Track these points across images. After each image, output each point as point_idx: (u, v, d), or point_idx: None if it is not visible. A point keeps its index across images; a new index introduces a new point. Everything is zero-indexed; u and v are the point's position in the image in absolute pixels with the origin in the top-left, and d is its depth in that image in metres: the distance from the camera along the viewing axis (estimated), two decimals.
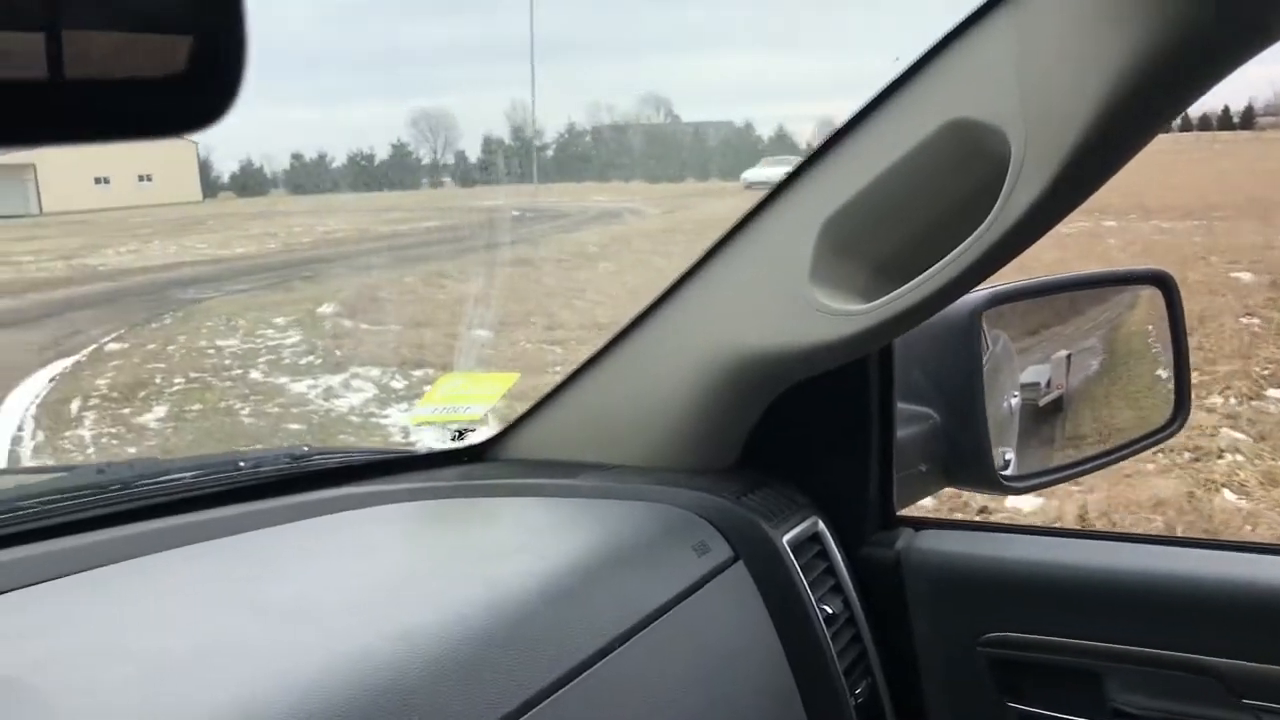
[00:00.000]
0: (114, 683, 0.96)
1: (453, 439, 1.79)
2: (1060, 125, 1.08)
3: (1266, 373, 8.00)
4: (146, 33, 0.49)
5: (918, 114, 1.24)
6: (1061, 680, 1.50)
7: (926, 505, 1.77)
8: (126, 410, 8.55)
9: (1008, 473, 1.69)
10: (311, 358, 10.51)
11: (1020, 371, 1.78)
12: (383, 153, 72.44)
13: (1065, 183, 1.11)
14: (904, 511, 1.68)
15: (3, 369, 10.37)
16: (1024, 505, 5.23)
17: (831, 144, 1.32)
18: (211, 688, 0.94)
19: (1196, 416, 6.31)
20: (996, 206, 1.16)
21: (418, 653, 1.02)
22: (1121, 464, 1.85)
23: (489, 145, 71.07)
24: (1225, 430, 6.65)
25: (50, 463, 7.61)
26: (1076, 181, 1.13)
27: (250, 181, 67.75)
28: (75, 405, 8.73)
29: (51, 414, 8.49)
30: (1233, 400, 7.30)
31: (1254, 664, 1.37)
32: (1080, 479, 2.47)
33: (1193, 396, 1.83)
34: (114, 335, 12.01)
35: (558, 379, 1.69)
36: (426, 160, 73.88)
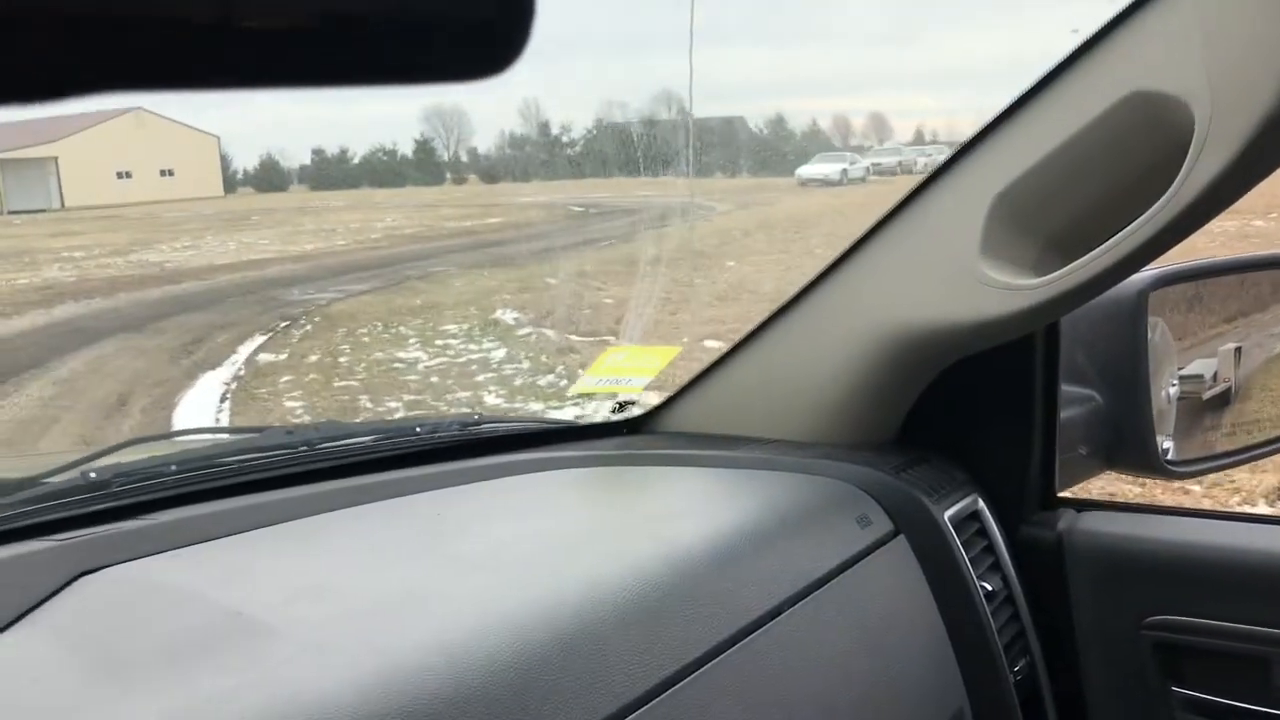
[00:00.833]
0: (328, 619, 1.04)
1: (613, 411, 1.84)
2: (1248, 98, 1.07)
3: None
4: None
5: (1097, 86, 1.24)
6: (1227, 665, 1.49)
7: (1086, 488, 1.73)
8: None
9: (1171, 458, 1.67)
10: (551, 376, 9.05)
11: (1178, 361, 1.72)
12: (404, 148, 71.36)
13: (1250, 158, 1.10)
14: (1063, 494, 1.67)
15: (145, 381, 9.04)
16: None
17: (1005, 118, 1.33)
18: (417, 628, 1.01)
19: None
20: (1176, 182, 1.15)
21: (605, 602, 1.07)
22: None
23: (515, 141, 69.96)
24: None
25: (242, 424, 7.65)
26: (1262, 157, 1.12)
27: (270, 177, 66.36)
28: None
29: None
30: None
31: None
32: (1254, 463, 2.23)
33: None
34: (255, 344, 10.70)
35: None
36: (445, 156, 72.59)
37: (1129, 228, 1.21)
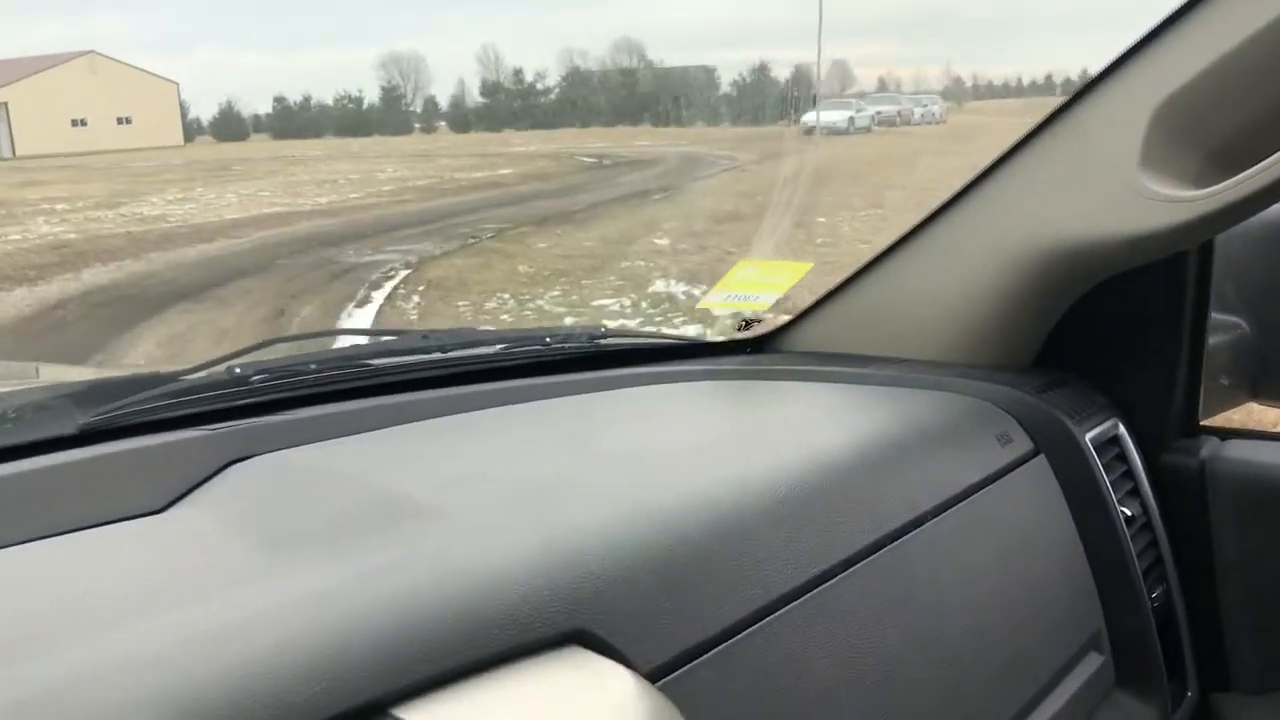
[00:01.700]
0: (486, 503, 1.07)
1: (739, 329, 1.82)
2: None
3: None
4: None
5: None
6: None
7: (1227, 418, 1.68)
8: None
9: None
10: None
11: None
12: (370, 96, 68.64)
13: None
14: (1205, 422, 1.64)
15: None
16: None
17: (1172, 21, 1.28)
18: (573, 513, 1.02)
19: None
20: None
21: (754, 499, 1.08)
22: None
23: (486, 89, 67.44)
24: None
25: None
26: None
27: (230, 125, 63.37)
28: None
29: None
30: None
31: None
32: None
33: None
34: (364, 318, 8.93)
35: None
36: (413, 104, 69.94)
37: None
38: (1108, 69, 1.36)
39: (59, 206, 19.55)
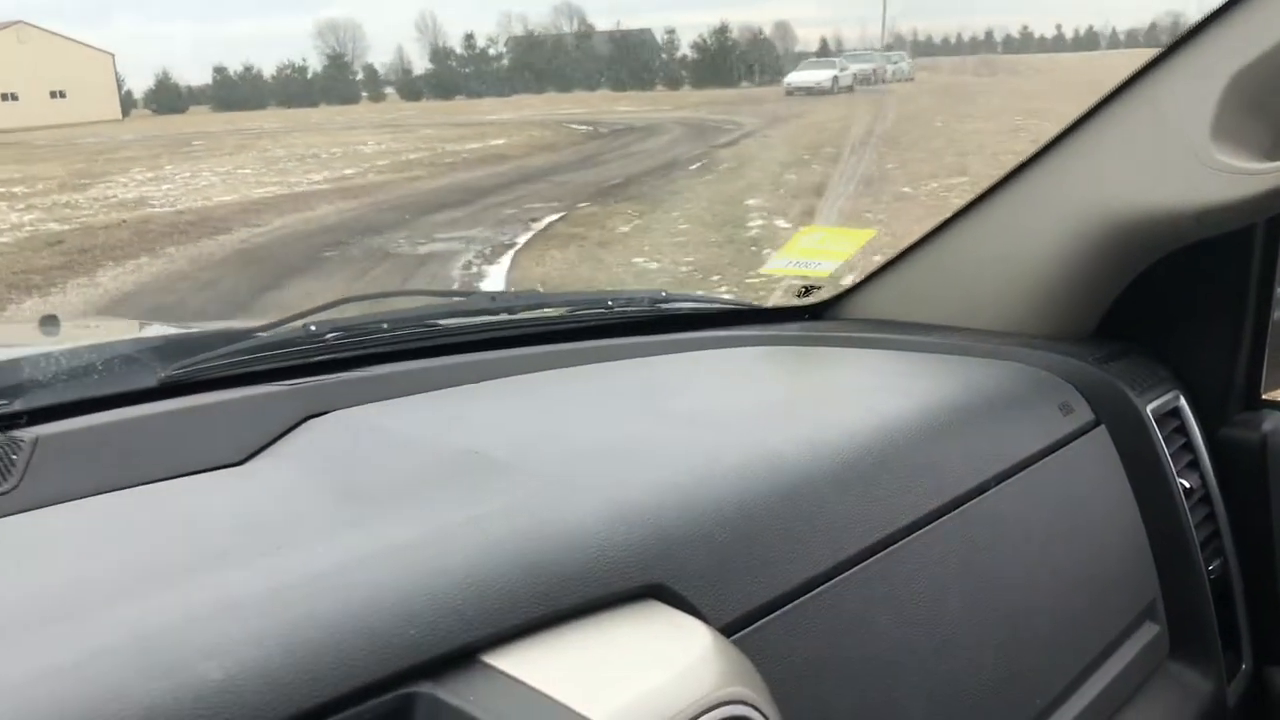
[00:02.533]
0: (563, 459, 1.09)
1: (798, 295, 1.82)
2: None
3: None
4: None
5: None
6: None
7: None
8: None
9: None
10: None
11: None
12: (314, 64, 65.69)
13: None
14: (1267, 395, 1.64)
15: None
16: None
17: None
18: (648, 470, 1.03)
19: None
20: None
21: (821, 462, 1.09)
22: None
23: (437, 54, 64.93)
24: None
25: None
26: None
27: (169, 98, 60.22)
28: None
29: None
30: None
31: None
32: None
33: None
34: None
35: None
36: (359, 72, 67.11)
37: None
38: (1182, 38, 1.33)
39: (17, 190, 17.51)
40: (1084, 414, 1.44)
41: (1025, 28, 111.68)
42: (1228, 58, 1.29)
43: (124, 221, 13.16)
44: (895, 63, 46.82)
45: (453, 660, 0.75)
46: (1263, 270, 1.56)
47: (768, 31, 61.45)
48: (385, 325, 1.41)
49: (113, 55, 56.34)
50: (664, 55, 61.63)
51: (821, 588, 0.99)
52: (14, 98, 47.83)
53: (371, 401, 1.27)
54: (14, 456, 1.04)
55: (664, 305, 1.73)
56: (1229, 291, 1.57)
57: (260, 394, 1.22)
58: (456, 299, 1.72)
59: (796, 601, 0.96)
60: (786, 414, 1.31)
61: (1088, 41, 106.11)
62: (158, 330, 1.65)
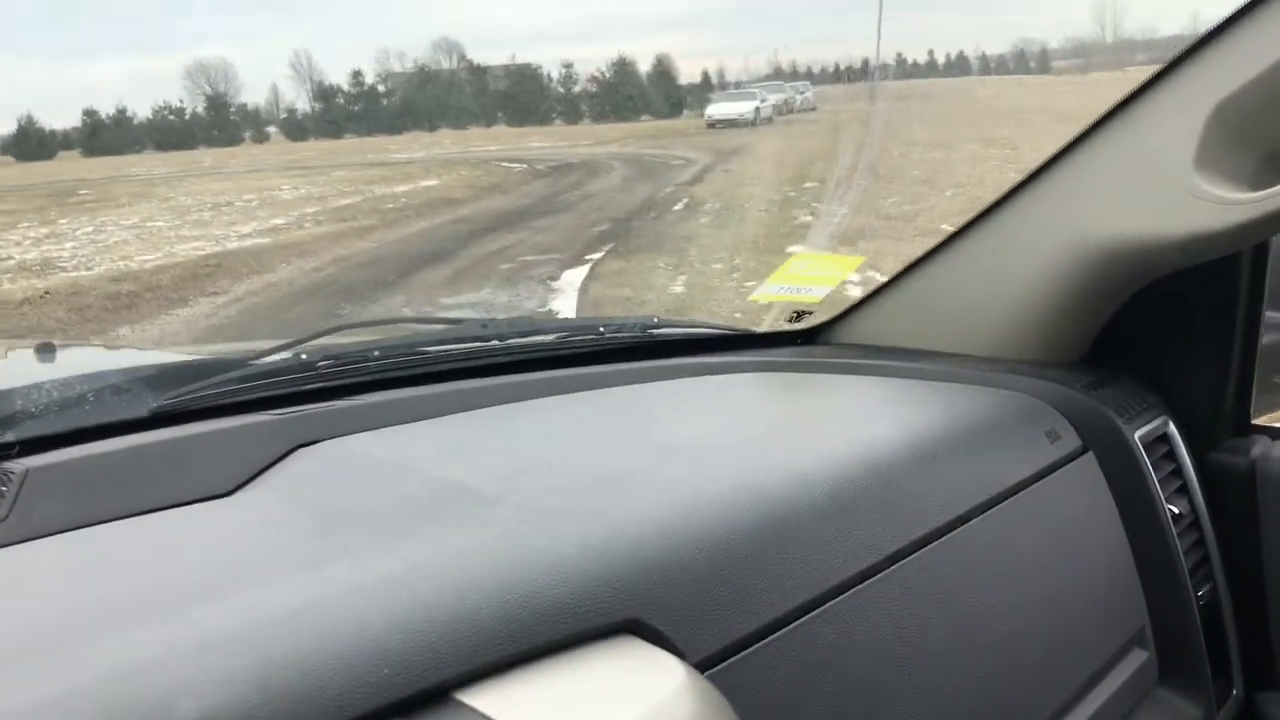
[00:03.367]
0: (548, 491, 1.09)
1: (789, 320, 1.84)
2: None
3: None
4: None
5: None
6: None
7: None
8: None
9: None
10: None
11: None
12: (193, 105, 62.24)
13: None
14: (1257, 421, 1.63)
15: None
16: None
17: (1227, 26, 1.27)
18: (631, 502, 1.03)
19: None
20: None
21: (805, 493, 1.08)
22: None
23: (324, 92, 62.15)
24: None
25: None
26: None
27: (33, 144, 56.12)
28: None
29: None
30: None
31: None
32: None
33: None
34: None
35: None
36: (236, 112, 63.90)
37: None
38: (1165, 69, 1.34)
39: None
40: (1071, 441, 1.43)
41: (899, 54, 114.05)
42: (1210, 88, 1.29)
43: (46, 294, 10.95)
44: (802, 93, 46.27)
45: (426, 698, 0.75)
46: (1250, 295, 1.56)
47: (645, 66, 60.53)
48: (377, 353, 1.42)
49: None
50: (561, 89, 60.13)
51: (801, 620, 0.98)
52: None
53: (362, 430, 1.28)
54: (3, 488, 1.04)
55: (656, 331, 1.73)
56: (1217, 317, 1.57)
57: (251, 423, 1.23)
58: (448, 326, 1.72)
59: (774, 635, 0.95)
60: (772, 443, 1.31)
61: (959, 67, 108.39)
62: (152, 358, 1.63)
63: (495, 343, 1.52)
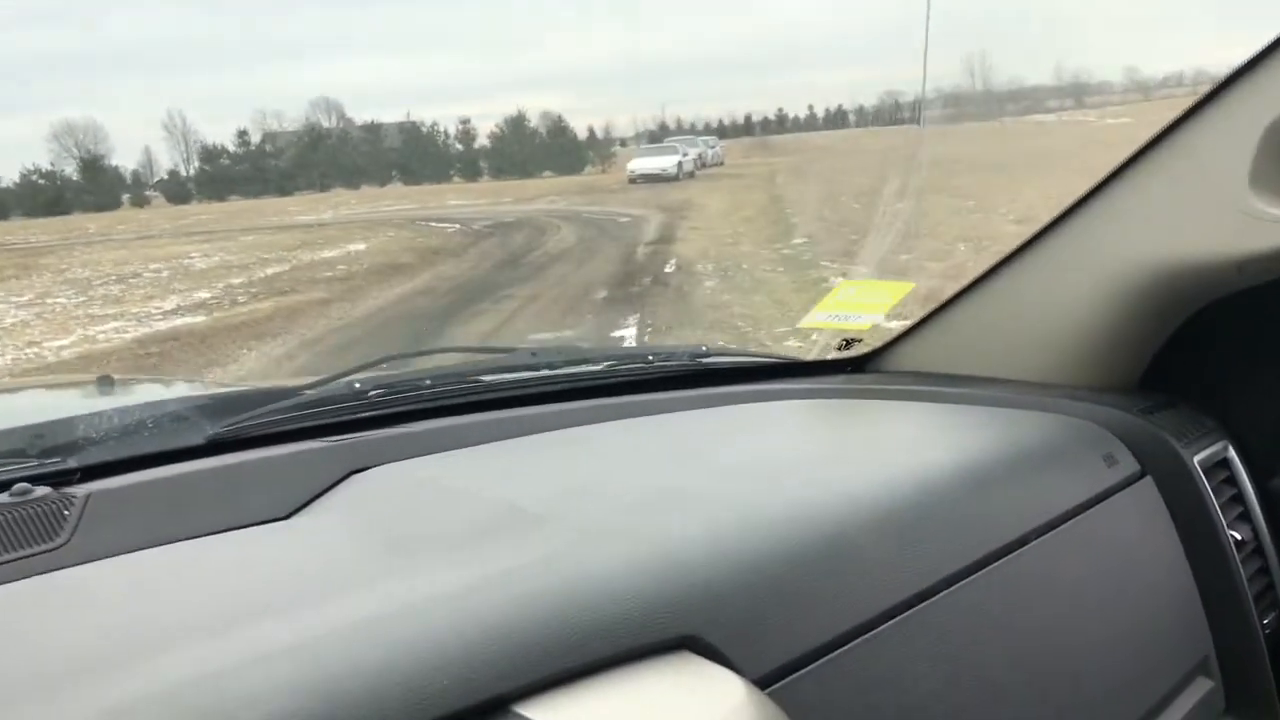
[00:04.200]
0: (601, 513, 1.08)
1: (838, 348, 1.80)
2: None
3: None
4: None
5: None
6: None
7: None
8: None
9: None
10: None
11: None
12: (65, 169, 58.55)
13: None
14: None
15: None
16: None
17: None
18: (686, 523, 1.03)
19: None
20: None
21: (862, 514, 1.07)
22: None
23: (209, 153, 59.12)
24: None
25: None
26: None
27: None
28: None
29: None
30: None
31: None
32: None
33: None
34: None
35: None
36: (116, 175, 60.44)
37: None
38: (1217, 88, 1.31)
39: None
40: (1129, 465, 1.40)
41: (780, 110, 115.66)
42: (1262, 107, 1.27)
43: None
44: (712, 147, 45.58)
45: (485, 710, 0.75)
46: None
47: (534, 121, 59.24)
48: (428, 382, 1.43)
49: None
50: (460, 146, 58.37)
51: (856, 641, 0.97)
52: None
53: (414, 456, 1.28)
54: (66, 512, 1.06)
55: (704, 360, 1.72)
56: (1275, 339, 1.54)
57: (305, 450, 1.24)
58: (498, 355, 1.76)
59: (833, 654, 0.94)
60: (826, 466, 1.30)
61: (839, 120, 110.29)
62: (207, 389, 1.69)
63: (545, 371, 1.54)
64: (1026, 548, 1.17)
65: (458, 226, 23.13)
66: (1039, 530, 1.20)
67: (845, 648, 0.95)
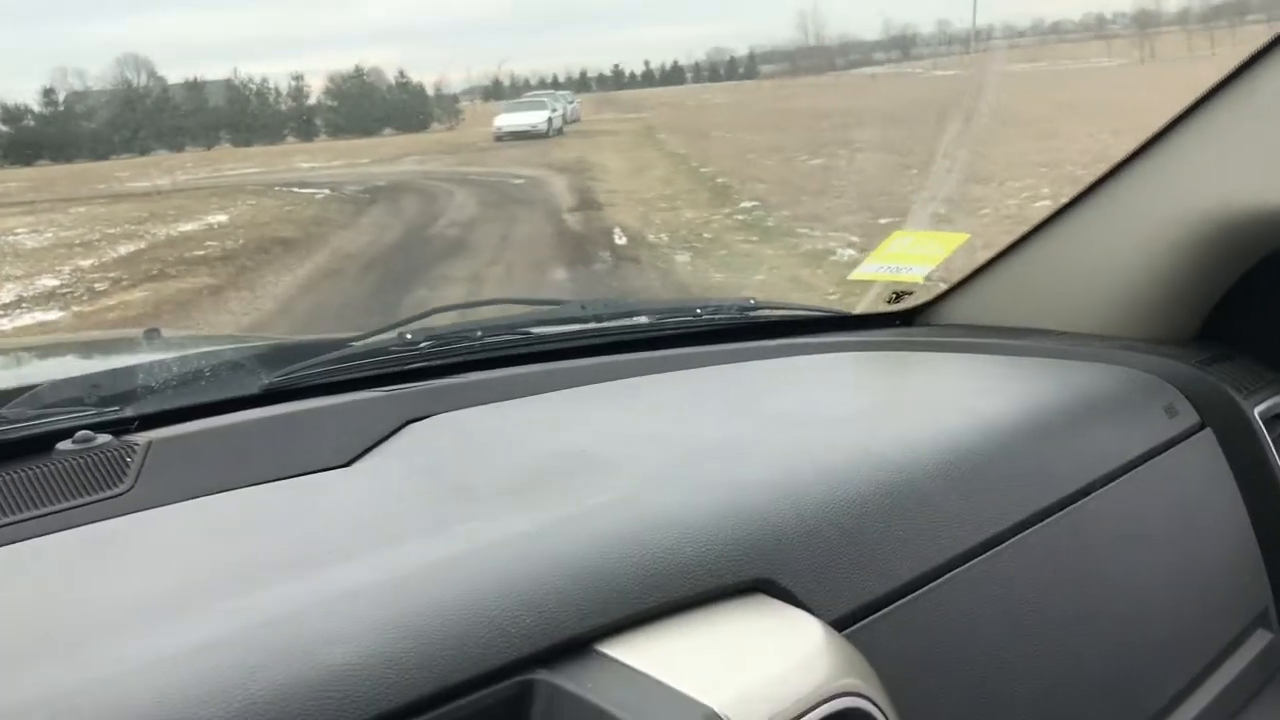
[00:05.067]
0: (668, 459, 1.09)
1: (888, 301, 1.78)
2: None
3: None
4: None
5: None
6: None
7: None
8: None
9: None
10: None
11: None
12: None
13: None
14: None
15: None
16: None
17: None
18: (753, 470, 1.04)
19: None
20: None
21: (924, 462, 1.07)
22: None
23: (11, 114, 53.41)
24: None
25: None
26: None
27: None
28: None
29: None
30: None
31: None
32: None
33: None
34: None
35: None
36: None
37: None
38: None
39: None
40: (1189, 417, 1.38)
41: (616, 66, 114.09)
42: None
43: None
44: (570, 103, 43.59)
45: (569, 649, 0.75)
46: None
47: (369, 77, 55.82)
48: (479, 333, 1.43)
49: None
50: (292, 102, 54.41)
51: (929, 586, 0.97)
52: None
53: (469, 406, 1.28)
54: (128, 459, 1.07)
55: (753, 313, 1.71)
56: None
57: (361, 399, 1.25)
58: (546, 307, 1.75)
59: (905, 599, 0.94)
60: (886, 416, 1.29)
61: (675, 76, 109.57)
62: (257, 340, 1.64)
63: (594, 323, 1.53)
64: (1089, 498, 1.16)
65: (327, 192, 20.52)
66: (1100, 481, 1.19)
67: (915, 594, 0.95)
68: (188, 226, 16.68)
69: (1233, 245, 1.42)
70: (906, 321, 1.77)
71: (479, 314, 1.64)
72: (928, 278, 1.72)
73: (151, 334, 1.77)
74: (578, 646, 0.75)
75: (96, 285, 11.65)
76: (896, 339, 1.67)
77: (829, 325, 1.76)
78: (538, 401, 1.32)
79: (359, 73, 53.88)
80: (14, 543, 0.94)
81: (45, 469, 1.03)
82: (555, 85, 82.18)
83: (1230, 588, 1.33)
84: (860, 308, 1.87)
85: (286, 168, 29.77)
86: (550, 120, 32.94)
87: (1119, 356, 1.45)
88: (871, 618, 0.91)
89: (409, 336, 1.37)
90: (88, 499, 1.01)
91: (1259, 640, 1.34)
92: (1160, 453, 1.29)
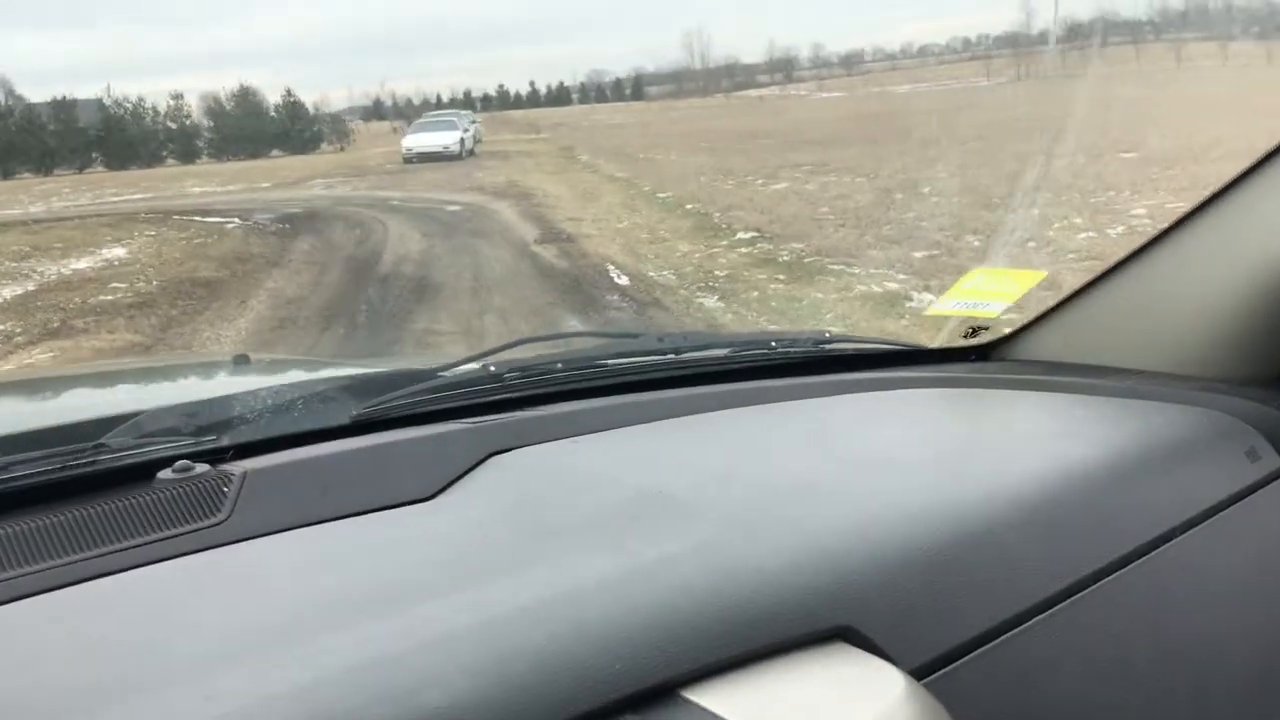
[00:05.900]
0: (744, 502, 1.08)
1: (964, 336, 1.75)
2: None
3: None
4: None
5: None
6: None
7: None
8: None
9: None
10: None
11: None
12: None
13: None
14: None
15: None
16: None
17: None
18: (830, 514, 1.03)
19: None
20: None
21: (1001, 508, 1.06)
22: None
23: None
24: None
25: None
26: None
27: None
28: None
29: None
30: None
31: None
32: None
33: None
34: None
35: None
36: None
37: None
38: None
39: None
40: (1272, 460, 1.35)
41: (501, 86, 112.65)
42: None
43: None
44: (474, 122, 41.65)
45: (655, 695, 0.76)
46: None
47: (196, 107, 52.77)
48: (560, 365, 1.44)
49: None
50: (171, 124, 51.11)
51: (1008, 634, 0.96)
52: None
53: (551, 439, 1.28)
54: (225, 489, 1.07)
55: (828, 346, 1.70)
56: None
57: (445, 431, 1.25)
58: (625, 339, 1.75)
59: (983, 648, 0.94)
60: (963, 458, 1.28)
61: (562, 96, 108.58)
62: (344, 370, 1.66)
63: (670, 356, 1.53)
64: (1169, 545, 1.14)
65: (238, 221, 18.32)
66: (1181, 527, 1.16)
67: (993, 643, 0.94)
68: (81, 264, 14.41)
69: None
70: (982, 356, 1.73)
71: (560, 346, 1.71)
72: (1003, 314, 1.70)
73: (240, 359, 1.86)
74: (664, 693, 0.76)
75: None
76: (973, 375, 1.64)
77: (904, 359, 1.75)
78: (617, 436, 1.32)
79: (245, 91, 50.97)
80: (120, 571, 0.94)
81: (148, 498, 1.04)
82: (439, 105, 79.78)
83: None
84: (937, 342, 1.82)
85: (177, 193, 27.23)
86: (462, 141, 31.02)
87: (1199, 398, 1.41)
88: (950, 666, 0.91)
89: (493, 368, 1.38)
90: (186, 528, 1.01)
91: None
92: (1242, 498, 1.26)
